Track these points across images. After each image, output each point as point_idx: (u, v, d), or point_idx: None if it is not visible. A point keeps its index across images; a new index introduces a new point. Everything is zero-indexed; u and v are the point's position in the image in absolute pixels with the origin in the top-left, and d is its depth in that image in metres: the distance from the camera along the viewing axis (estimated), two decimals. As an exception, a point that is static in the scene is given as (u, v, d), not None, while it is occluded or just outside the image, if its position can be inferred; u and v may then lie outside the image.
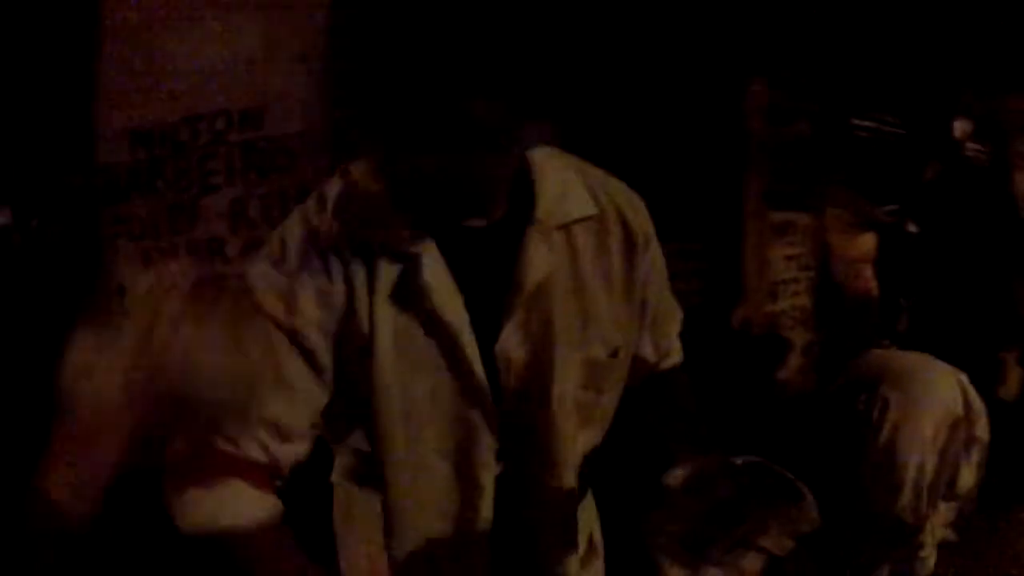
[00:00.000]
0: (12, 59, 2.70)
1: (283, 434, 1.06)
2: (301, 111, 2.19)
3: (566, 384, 1.13)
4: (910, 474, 2.22)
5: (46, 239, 2.98)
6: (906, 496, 2.23)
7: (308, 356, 1.06)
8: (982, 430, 2.36)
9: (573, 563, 1.22)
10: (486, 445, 1.12)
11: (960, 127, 3.78)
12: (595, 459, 1.23)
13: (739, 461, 1.08)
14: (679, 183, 2.62)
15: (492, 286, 1.09)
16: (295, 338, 1.05)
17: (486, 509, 1.14)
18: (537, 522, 1.18)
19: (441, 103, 0.96)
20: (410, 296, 1.06)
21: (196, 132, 2.26)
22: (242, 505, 1.04)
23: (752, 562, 1.03)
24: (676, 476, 1.07)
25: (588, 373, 1.15)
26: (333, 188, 1.10)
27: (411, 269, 1.06)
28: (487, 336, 1.09)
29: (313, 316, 1.05)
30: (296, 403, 1.06)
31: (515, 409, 1.12)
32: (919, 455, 2.23)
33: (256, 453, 1.04)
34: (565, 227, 1.13)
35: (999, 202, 3.51)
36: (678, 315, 1.31)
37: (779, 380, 3.11)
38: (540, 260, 1.09)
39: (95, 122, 2.43)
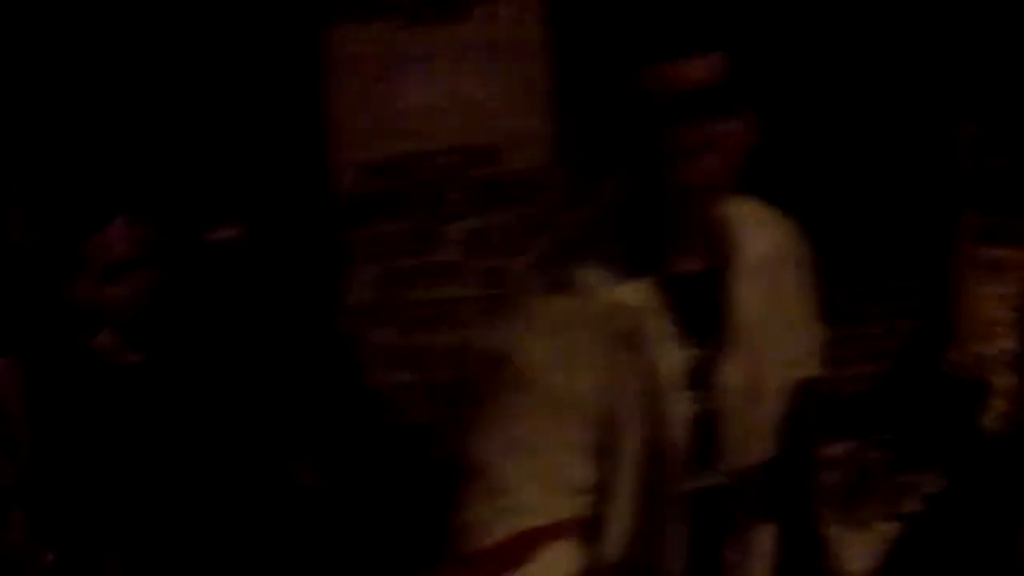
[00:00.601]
0: (248, 91, 2.97)
1: (576, 490, 1.10)
2: (533, 148, 2.39)
3: (774, 419, 1.24)
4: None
5: (275, 256, 3.25)
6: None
7: (585, 417, 1.10)
8: None
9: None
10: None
11: None
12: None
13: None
14: (895, 221, 2.69)
15: (704, 331, 1.16)
16: (572, 400, 1.09)
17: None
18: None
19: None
20: (638, 351, 1.11)
21: (434, 167, 2.48)
22: (565, 567, 1.07)
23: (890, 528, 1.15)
24: (836, 449, 1.20)
25: (787, 402, 1.26)
26: (565, 233, 1.22)
27: (639, 323, 1.11)
28: (699, 383, 1.16)
29: (589, 379, 1.09)
30: (580, 462, 1.10)
31: (729, 446, 1.21)
32: None
33: (563, 514, 1.07)
34: (762, 265, 1.21)
35: None
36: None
37: (983, 426, 3.10)
38: (750, 300, 1.18)
39: (329, 154, 2.65)
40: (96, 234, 1.60)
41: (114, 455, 1.59)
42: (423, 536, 2.38)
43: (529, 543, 1.05)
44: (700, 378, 1.16)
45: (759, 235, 1.23)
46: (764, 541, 1.28)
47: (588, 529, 1.14)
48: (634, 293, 1.12)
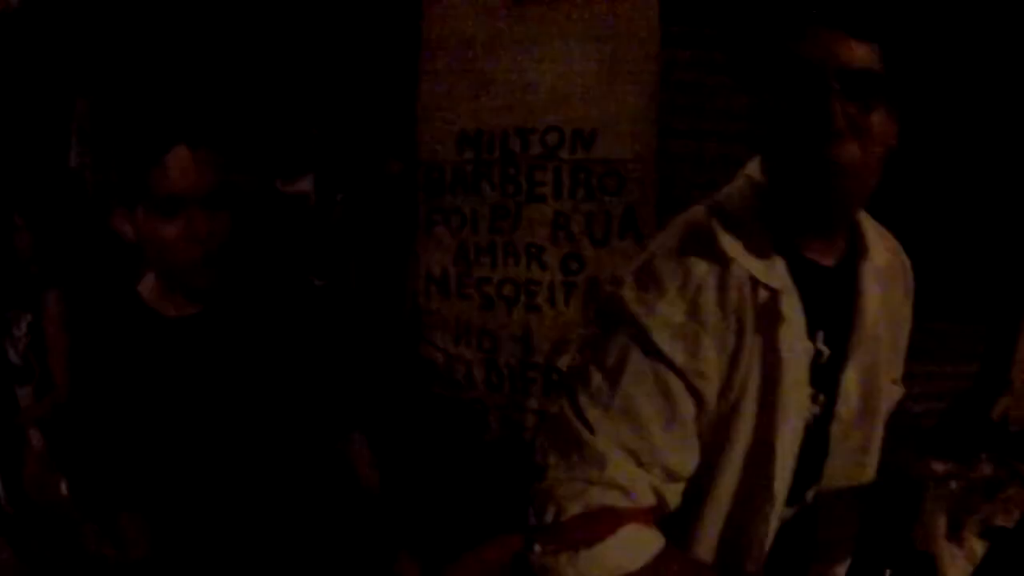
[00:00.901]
0: (345, 47, 2.96)
1: (674, 477, 1.05)
2: (632, 137, 2.34)
3: (881, 418, 1.19)
4: None
5: (348, 214, 3.25)
6: None
7: (700, 400, 1.05)
8: None
9: None
10: (780, 491, 1.12)
11: None
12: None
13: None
14: (968, 264, 2.61)
15: (831, 329, 1.12)
16: (694, 382, 1.04)
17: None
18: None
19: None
20: (766, 334, 1.06)
21: (527, 143, 2.44)
22: (641, 549, 1.03)
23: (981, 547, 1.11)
24: (938, 466, 1.14)
25: (889, 406, 1.23)
26: (721, 202, 1.13)
27: (772, 304, 1.06)
28: (820, 378, 1.11)
29: (715, 360, 1.05)
30: (688, 448, 1.06)
31: (835, 462, 1.16)
32: None
33: (649, 499, 1.03)
34: (884, 273, 1.18)
35: None
36: None
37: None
38: (875, 300, 1.14)
39: (419, 118, 2.63)
40: (156, 160, 1.36)
41: (149, 414, 1.41)
42: (467, 514, 2.37)
43: (610, 521, 1.01)
44: (822, 379, 1.11)
45: (881, 244, 1.19)
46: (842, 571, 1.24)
47: (674, 520, 1.08)
48: (772, 273, 1.06)
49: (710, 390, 1.05)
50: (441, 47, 2.52)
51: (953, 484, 1.11)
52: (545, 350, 2.48)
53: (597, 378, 1.05)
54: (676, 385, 1.04)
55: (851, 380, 1.13)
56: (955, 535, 1.10)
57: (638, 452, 1.03)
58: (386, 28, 2.69)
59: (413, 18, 2.61)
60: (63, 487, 1.52)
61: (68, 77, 3.03)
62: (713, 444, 1.08)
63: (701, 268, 1.06)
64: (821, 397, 1.12)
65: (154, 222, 1.36)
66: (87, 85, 3.08)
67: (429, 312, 2.56)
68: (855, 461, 1.18)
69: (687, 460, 1.06)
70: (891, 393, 1.22)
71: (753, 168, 1.14)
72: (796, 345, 1.07)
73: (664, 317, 1.04)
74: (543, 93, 2.43)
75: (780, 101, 1.03)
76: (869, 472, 1.20)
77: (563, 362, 2.46)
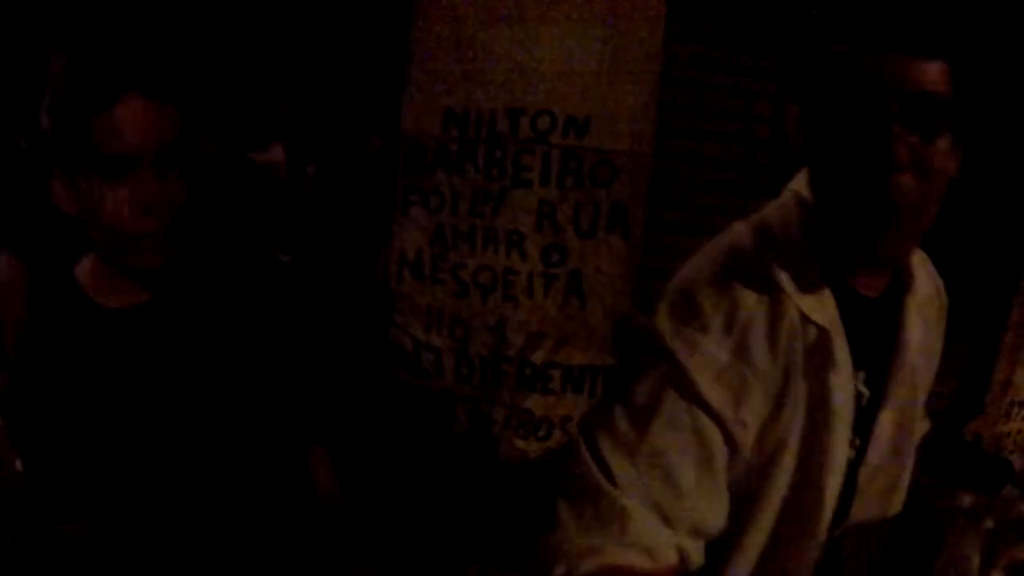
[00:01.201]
0: (329, 18, 2.83)
1: (701, 534, 0.95)
2: (629, 129, 2.23)
3: (911, 457, 1.12)
4: None
5: (320, 187, 3.11)
6: None
7: (735, 450, 0.96)
8: None
9: None
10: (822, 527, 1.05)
11: None
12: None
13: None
14: (959, 283, 2.57)
15: (871, 365, 1.04)
16: (734, 431, 0.94)
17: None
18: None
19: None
20: (815, 379, 0.98)
21: (516, 125, 2.32)
22: None
23: None
24: (964, 500, 1.09)
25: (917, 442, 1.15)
26: (767, 223, 1.03)
27: (822, 344, 0.97)
28: (857, 421, 1.03)
29: (759, 408, 0.95)
30: (720, 502, 0.96)
31: (868, 488, 1.09)
32: None
33: (671, 560, 0.93)
34: (927, 305, 1.12)
35: None
36: None
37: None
38: (917, 337, 1.07)
39: (404, 92, 2.50)
40: (102, 109, 1.10)
41: (85, 422, 1.19)
42: (432, 513, 2.25)
43: None
44: (858, 422, 1.02)
45: (924, 272, 1.12)
46: None
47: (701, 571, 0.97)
48: (822, 309, 0.97)
49: (748, 439, 0.95)
50: (434, 19, 2.39)
51: (989, 523, 1.04)
52: (519, 343, 2.36)
53: (623, 421, 0.93)
54: (713, 434, 0.92)
55: (886, 422, 1.05)
56: (985, 572, 1.03)
57: (665, 507, 0.91)
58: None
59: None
60: (18, 463, 1.31)
61: (40, 29, 2.86)
62: (743, 497, 0.98)
63: (750, 300, 0.95)
64: (857, 440, 1.03)
65: (97, 186, 1.13)
66: (63, 38, 2.91)
67: (400, 295, 2.44)
68: (882, 500, 1.11)
69: (718, 516, 0.95)
70: (922, 429, 1.14)
71: (800, 184, 1.03)
72: (846, 390, 0.98)
73: (708, 356, 0.93)
74: (538, 75, 2.32)
75: (833, 120, 0.92)
76: (896, 507, 1.13)
77: (537, 356, 2.36)
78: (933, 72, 0.90)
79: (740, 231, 1.03)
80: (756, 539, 1.02)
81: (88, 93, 1.13)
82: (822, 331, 0.97)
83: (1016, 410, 3.21)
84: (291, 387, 1.34)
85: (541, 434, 2.43)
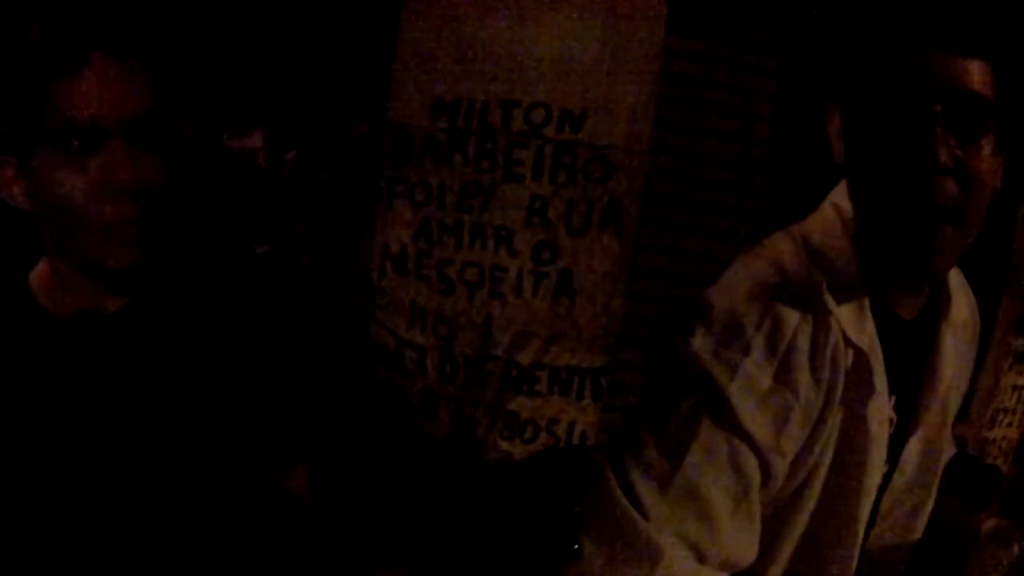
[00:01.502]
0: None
1: (733, 567, 0.91)
2: (626, 125, 2.16)
3: (937, 482, 1.08)
4: None
5: (299, 175, 3.01)
6: None
7: (768, 478, 0.91)
8: None
9: None
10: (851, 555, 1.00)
11: None
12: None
13: None
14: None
15: (903, 389, 0.99)
16: (772, 461, 0.89)
17: None
18: None
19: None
20: (854, 405, 0.93)
21: (509, 117, 2.24)
22: None
23: None
24: (988, 523, 1.07)
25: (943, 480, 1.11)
26: (810, 237, 0.96)
27: (862, 369, 0.92)
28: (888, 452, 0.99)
29: (798, 436, 0.90)
30: (753, 534, 0.91)
31: (891, 513, 1.06)
32: None
33: None
34: (962, 329, 1.08)
35: None
36: None
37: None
38: (950, 359, 1.02)
39: (393, 80, 2.42)
40: (66, 72, 0.95)
41: (35, 452, 1.01)
42: (411, 513, 2.16)
43: None
44: (888, 446, 0.97)
45: (961, 295, 1.06)
46: None
47: None
48: (863, 331, 0.91)
49: (784, 469, 0.89)
50: (426, 4, 2.30)
51: (1016, 548, 0.99)
52: (506, 342, 2.28)
53: (653, 449, 0.87)
54: (751, 465, 0.86)
55: (913, 450, 1.00)
56: None
57: (699, 543, 0.85)
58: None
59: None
60: None
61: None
62: (767, 525, 0.92)
63: (793, 319, 0.89)
64: (885, 466, 0.97)
65: (59, 167, 0.96)
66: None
67: (382, 291, 2.35)
68: (905, 524, 1.06)
69: (750, 549, 0.90)
70: (948, 454, 1.09)
71: (840, 196, 0.97)
72: (882, 417, 0.93)
73: (749, 381, 0.87)
74: (533, 66, 2.24)
75: (876, 123, 0.87)
76: (918, 532, 1.08)
77: (524, 356, 2.28)
78: (976, 72, 0.85)
79: (782, 247, 0.97)
80: (775, 571, 0.97)
81: (48, 54, 0.97)
82: (862, 355, 0.91)
83: (1001, 416, 3.20)
84: (274, 405, 1.19)
85: (526, 436, 2.36)
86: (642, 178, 2.17)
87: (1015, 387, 3.14)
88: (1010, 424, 3.24)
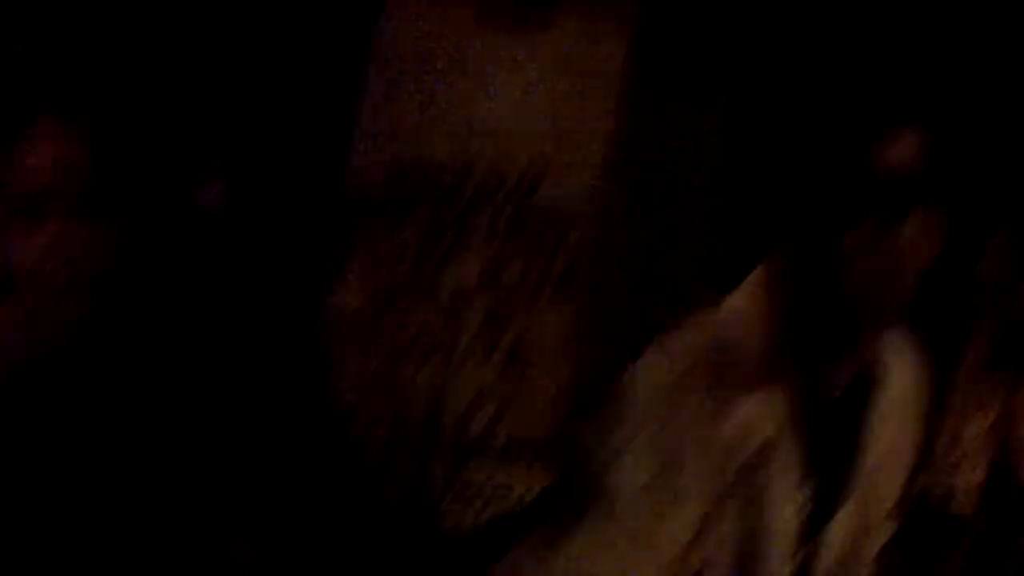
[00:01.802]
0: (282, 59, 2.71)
1: None
2: (583, 188, 2.15)
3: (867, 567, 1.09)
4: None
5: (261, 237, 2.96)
6: None
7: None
8: None
9: None
10: None
11: None
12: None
13: None
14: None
15: (825, 471, 1.00)
16: (659, 553, 0.93)
17: None
18: None
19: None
20: (748, 496, 0.95)
21: (463, 181, 2.22)
22: None
23: None
24: None
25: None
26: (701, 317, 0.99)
27: (763, 457, 0.94)
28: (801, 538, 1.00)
29: (680, 529, 0.93)
30: None
31: None
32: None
33: None
34: (904, 400, 1.07)
35: None
36: None
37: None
38: (884, 439, 1.05)
39: (352, 139, 2.39)
40: (9, 136, 0.94)
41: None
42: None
43: None
44: (804, 532, 0.94)
45: (905, 363, 1.04)
46: None
47: None
48: (766, 416, 0.89)
49: (674, 566, 0.91)
50: (392, 61, 2.29)
51: None
52: (459, 410, 2.23)
53: (560, 539, 0.93)
54: (644, 555, 0.89)
55: (837, 532, 0.98)
56: None
57: None
58: (332, 31, 2.44)
59: (365, 25, 2.36)
60: None
61: None
62: None
63: (680, 411, 0.91)
64: (799, 554, 0.93)
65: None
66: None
67: (333, 358, 2.29)
68: None
69: None
70: (885, 534, 1.06)
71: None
72: (787, 509, 0.90)
73: (632, 470, 0.89)
74: (490, 127, 2.23)
75: (792, 190, 0.86)
76: None
77: (476, 424, 2.23)
78: (901, 143, 0.87)
79: (691, 335, 0.95)
80: None
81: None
82: (764, 445, 0.87)
83: (966, 461, 3.17)
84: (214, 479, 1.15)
85: (479, 505, 2.30)
86: (598, 242, 2.14)
87: (980, 429, 3.10)
88: (975, 468, 3.20)
